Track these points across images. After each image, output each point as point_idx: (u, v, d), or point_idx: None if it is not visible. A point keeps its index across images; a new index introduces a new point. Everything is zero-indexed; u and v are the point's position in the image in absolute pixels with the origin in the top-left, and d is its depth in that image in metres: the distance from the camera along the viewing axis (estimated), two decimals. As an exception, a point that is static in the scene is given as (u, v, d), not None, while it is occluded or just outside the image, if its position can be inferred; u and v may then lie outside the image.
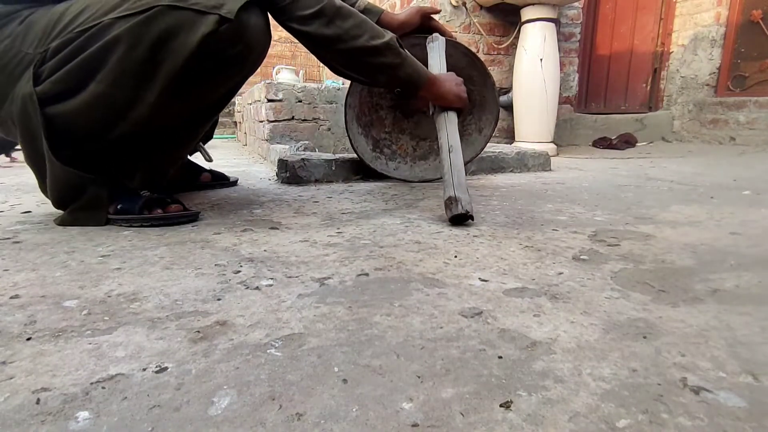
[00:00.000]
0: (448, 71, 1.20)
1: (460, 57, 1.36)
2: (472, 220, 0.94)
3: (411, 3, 2.70)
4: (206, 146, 1.41)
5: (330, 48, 0.96)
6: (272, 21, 0.95)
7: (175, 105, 0.88)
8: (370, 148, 1.47)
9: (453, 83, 1.13)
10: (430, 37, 1.27)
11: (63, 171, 0.87)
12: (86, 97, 0.82)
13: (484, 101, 1.43)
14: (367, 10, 1.19)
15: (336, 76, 1.08)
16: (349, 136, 1.39)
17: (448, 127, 1.10)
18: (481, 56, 2.48)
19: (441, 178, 1.48)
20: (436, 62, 1.21)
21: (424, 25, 1.29)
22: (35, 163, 0.90)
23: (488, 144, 1.52)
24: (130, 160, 0.96)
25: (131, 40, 0.79)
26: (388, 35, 0.99)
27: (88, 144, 0.90)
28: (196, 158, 1.44)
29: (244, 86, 1.06)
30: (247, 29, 0.85)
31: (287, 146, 1.82)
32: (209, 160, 1.46)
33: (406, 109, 1.50)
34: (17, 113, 0.83)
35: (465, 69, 1.37)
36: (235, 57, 0.87)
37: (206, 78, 0.88)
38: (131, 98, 0.84)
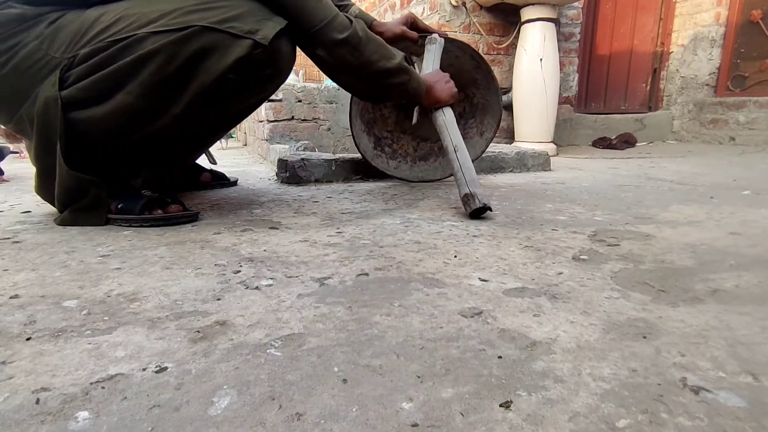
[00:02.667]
0: (452, 74, 1.21)
1: (466, 60, 1.36)
2: (491, 211, 1.00)
3: (411, 3, 2.70)
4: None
5: (352, 74, 0.99)
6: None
7: (198, 117, 0.91)
8: (371, 146, 1.48)
9: (443, 83, 1.16)
10: (429, 37, 1.27)
11: (69, 175, 0.88)
12: (112, 106, 0.84)
13: (487, 105, 1.43)
14: (359, 18, 1.20)
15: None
16: (352, 132, 1.40)
17: (449, 128, 1.12)
18: (481, 56, 2.47)
19: (440, 179, 1.49)
20: (429, 64, 1.22)
21: (411, 30, 1.29)
22: (43, 164, 0.90)
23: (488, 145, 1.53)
24: (139, 161, 0.97)
25: (166, 56, 0.80)
26: (399, 55, 1.02)
27: (104, 147, 0.91)
28: (201, 160, 1.44)
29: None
30: (278, 54, 0.88)
31: (287, 146, 1.82)
32: (214, 163, 1.47)
33: (408, 109, 1.50)
34: (38, 114, 0.84)
35: (470, 72, 1.37)
36: (264, 78, 0.91)
37: (232, 95, 0.90)
38: (157, 110, 0.86)
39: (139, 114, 0.85)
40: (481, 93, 1.42)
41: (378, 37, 1.00)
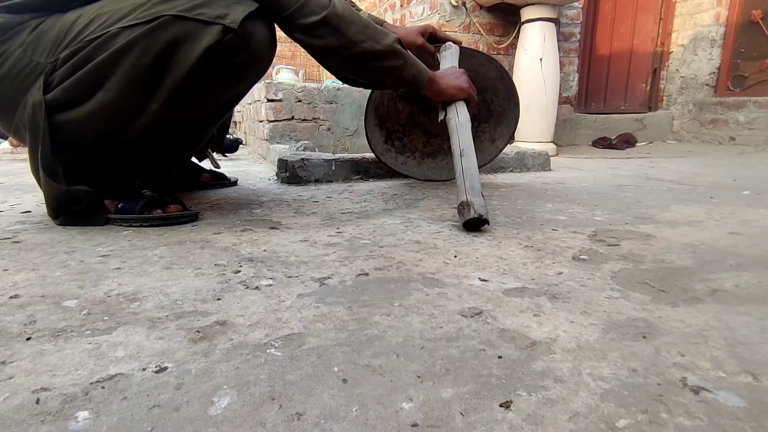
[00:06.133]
0: (474, 77, 1.19)
1: (491, 70, 1.37)
2: (488, 224, 0.89)
3: (411, 3, 2.70)
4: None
5: (335, 56, 0.96)
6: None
7: (179, 112, 0.89)
8: (382, 140, 1.49)
9: (452, 76, 1.12)
10: (443, 45, 1.27)
11: (51, 186, 0.87)
12: (94, 105, 0.83)
13: (503, 114, 1.44)
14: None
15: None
16: (366, 127, 1.41)
17: (460, 131, 1.09)
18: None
19: (446, 180, 1.49)
20: (446, 65, 1.21)
21: (427, 44, 1.27)
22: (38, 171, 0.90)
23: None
24: (133, 163, 0.97)
25: (139, 49, 0.80)
26: (391, 36, 0.98)
27: (93, 149, 0.90)
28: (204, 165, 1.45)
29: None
30: (251, 39, 0.86)
31: (287, 146, 1.82)
32: (217, 167, 1.47)
33: (424, 104, 1.50)
34: (27, 119, 0.84)
35: (492, 81, 1.38)
36: (239, 66, 0.88)
37: (210, 86, 0.89)
38: (137, 106, 0.85)
39: (119, 112, 0.85)
40: (498, 101, 1.43)
41: (366, 18, 0.96)
